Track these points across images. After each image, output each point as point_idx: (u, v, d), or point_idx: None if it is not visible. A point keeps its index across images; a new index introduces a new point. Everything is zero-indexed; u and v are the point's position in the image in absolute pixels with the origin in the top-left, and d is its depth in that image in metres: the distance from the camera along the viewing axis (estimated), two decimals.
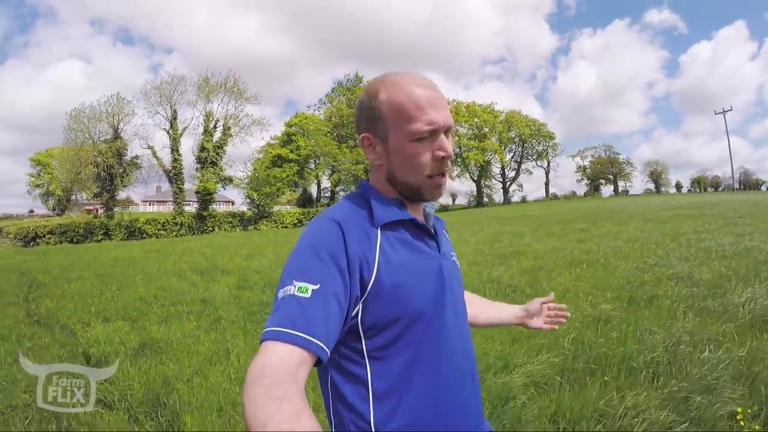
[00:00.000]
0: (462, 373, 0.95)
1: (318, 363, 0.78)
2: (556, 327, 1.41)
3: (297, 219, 35.84)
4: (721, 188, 74.45)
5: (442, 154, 0.92)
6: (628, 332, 3.75)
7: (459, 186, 66.86)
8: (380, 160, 0.96)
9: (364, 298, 0.85)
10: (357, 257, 0.85)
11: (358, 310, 0.86)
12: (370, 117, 0.95)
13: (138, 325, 5.54)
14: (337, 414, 0.88)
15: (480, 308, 1.32)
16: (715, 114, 67.39)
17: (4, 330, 5.71)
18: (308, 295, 0.79)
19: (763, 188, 78.46)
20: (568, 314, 1.44)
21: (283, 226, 34.32)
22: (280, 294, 0.81)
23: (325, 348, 0.77)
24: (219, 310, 6.09)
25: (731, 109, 64.93)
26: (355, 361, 0.87)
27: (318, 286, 0.80)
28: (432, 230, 1.00)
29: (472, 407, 0.97)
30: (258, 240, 18.78)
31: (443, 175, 0.95)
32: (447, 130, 0.93)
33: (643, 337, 3.65)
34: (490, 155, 59.45)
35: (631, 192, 72.58)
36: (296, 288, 0.80)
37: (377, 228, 0.91)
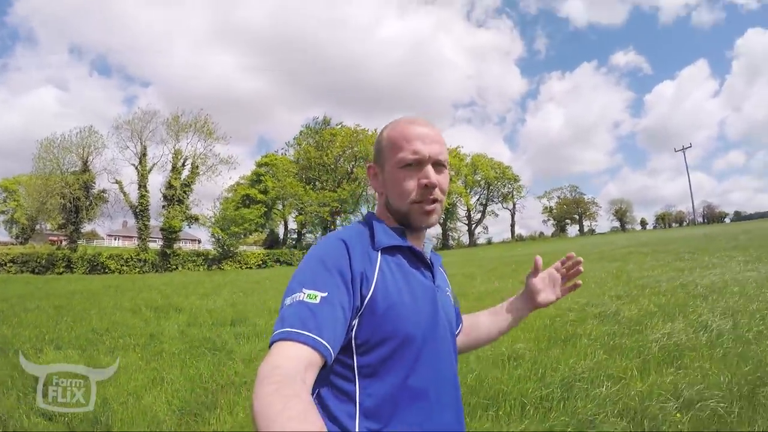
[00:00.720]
0: (447, 402, 0.97)
1: (323, 366, 0.81)
2: (580, 281, 1.32)
3: (261, 260, 35.20)
4: (685, 223, 76.97)
5: (424, 181, 1.01)
6: (532, 370, 3.85)
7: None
8: (381, 188, 1.08)
9: (361, 311, 0.90)
10: (359, 272, 0.91)
11: (354, 324, 0.90)
12: (376, 151, 1.09)
13: (87, 354, 5.80)
14: None
15: (487, 326, 1.31)
16: (675, 151, 69.98)
17: None
18: (317, 301, 0.84)
19: (727, 220, 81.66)
20: (581, 259, 1.28)
21: (247, 267, 33.73)
22: (288, 301, 0.85)
23: (331, 350, 0.81)
24: (164, 343, 6.32)
25: (690, 146, 67.83)
26: (345, 377, 0.90)
27: (326, 294, 0.85)
28: (428, 261, 1.08)
29: None
30: (218, 280, 18.53)
31: (432, 202, 1.03)
32: (435, 163, 1.03)
33: (545, 375, 3.75)
34: (456, 198, 60.61)
35: (597, 231, 74.64)
36: (305, 295, 0.85)
37: (378, 251, 0.98)
